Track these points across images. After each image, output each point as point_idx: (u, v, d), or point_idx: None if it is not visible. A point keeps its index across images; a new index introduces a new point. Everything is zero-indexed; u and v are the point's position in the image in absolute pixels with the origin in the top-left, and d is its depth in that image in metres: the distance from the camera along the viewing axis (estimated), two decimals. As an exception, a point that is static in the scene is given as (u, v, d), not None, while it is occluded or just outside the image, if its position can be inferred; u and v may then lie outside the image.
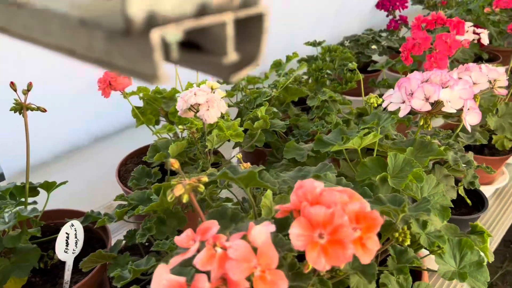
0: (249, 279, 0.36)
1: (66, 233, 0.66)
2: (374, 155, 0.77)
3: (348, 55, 1.32)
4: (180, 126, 0.82)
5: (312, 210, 0.39)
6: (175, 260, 0.38)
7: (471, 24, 1.15)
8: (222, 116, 0.98)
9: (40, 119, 0.90)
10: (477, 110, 0.74)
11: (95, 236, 0.86)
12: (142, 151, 1.05)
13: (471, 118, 0.73)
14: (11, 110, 0.71)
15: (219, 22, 0.18)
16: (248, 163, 0.68)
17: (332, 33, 1.78)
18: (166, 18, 0.16)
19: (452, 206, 0.70)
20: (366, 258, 0.39)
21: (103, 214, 0.76)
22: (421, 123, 0.77)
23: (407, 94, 0.73)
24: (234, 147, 0.93)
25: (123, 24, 0.16)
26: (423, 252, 0.70)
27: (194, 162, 0.84)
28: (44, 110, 0.83)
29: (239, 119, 0.96)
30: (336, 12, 1.85)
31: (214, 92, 0.82)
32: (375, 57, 1.72)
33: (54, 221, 0.88)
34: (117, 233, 1.02)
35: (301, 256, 0.43)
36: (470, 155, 0.93)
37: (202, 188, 0.45)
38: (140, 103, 1.03)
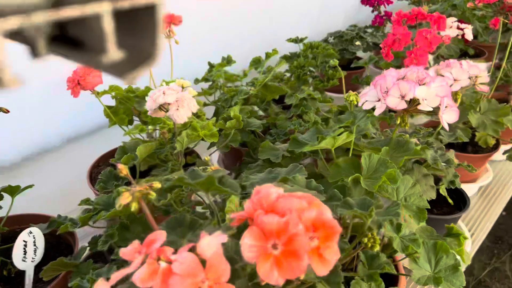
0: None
1: (24, 241, 0.63)
2: (350, 155, 0.74)
3: (331, 51, 1.29)
4: (150, 127, 0.79)
5: (265, 219, 0.36)
6: (116, 276, 0.35)
7: (455, 19, 1.13)
8: (198, 116, 0.95)
9: (8, 121, 0.87)
10: (455, 108, 0.71)
11: (63, 242, 0.83)
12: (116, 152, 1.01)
13: (449, 116, 0.71)
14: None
15: (92, 14, 0.15)
16: (216, 165, 0.65)
17: (316, 29, 1.75)
18: (6, 10, 0.13)
19: (429, 207, 0.68)
20: (323, 270, 0.36)
21: (68, 219, 0.73)
22: (398, 122, 0.74)
23: (382, 92, 0.71)
24: (208, 148, 0.91)
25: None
26: (402, 254, 0.68)
27: (166, 164, 0.81)
28: (6, 111, 0.80)
29: (214, 118, 0.93)
30: (320, 7, 1.82)
31: (185, 91, 0.79)
32: (360, 53, 1.69)
33: (20, 226, 0.85)
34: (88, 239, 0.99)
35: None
36: (451, 153, 0.91)
37: (153, 195, 0.42)
38: (114, 102, 1.00)
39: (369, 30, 1.72)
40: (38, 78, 0.98)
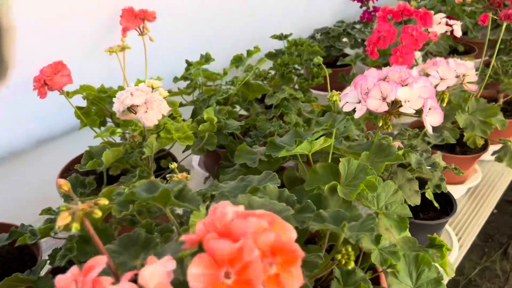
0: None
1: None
2: (330, 160, 0.70)
3: (316, 48, 1.24)
4: (119, 130, 0.74)
5: (216, 245, 0.32)
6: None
7: (444, 15, 1.09)
8: (173, 117, 0.90)
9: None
10: (439, 110, 0.67)
11: (28, 253, 0.78)
12: (89, 155, 0.96)
13: (433, 119, 0.67)
14: None
15: None
16: (184, 173, 0.60)
17: (303, 25, 1.71)
18: None
19: (411, 216, 0.64)
20: (282, 300, 0.32)
21: (29, 230, 0.68)
22: (380, 124, 0.70)
23: (363, 93, 0.67)
24: (184, 151, 0.86)
25: None
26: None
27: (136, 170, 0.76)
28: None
29: (190, 120, 0.88)
30: (307, 2, 1.77)
31: (155, 92, 0.74)
32: (348, 50, 1.65)
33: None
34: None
35: None
36: (438, 155, 0.87)
37: (98, 213, 0.38)
38: (85, 103, 0.95)
39: (357, 26, 1.68)
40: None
